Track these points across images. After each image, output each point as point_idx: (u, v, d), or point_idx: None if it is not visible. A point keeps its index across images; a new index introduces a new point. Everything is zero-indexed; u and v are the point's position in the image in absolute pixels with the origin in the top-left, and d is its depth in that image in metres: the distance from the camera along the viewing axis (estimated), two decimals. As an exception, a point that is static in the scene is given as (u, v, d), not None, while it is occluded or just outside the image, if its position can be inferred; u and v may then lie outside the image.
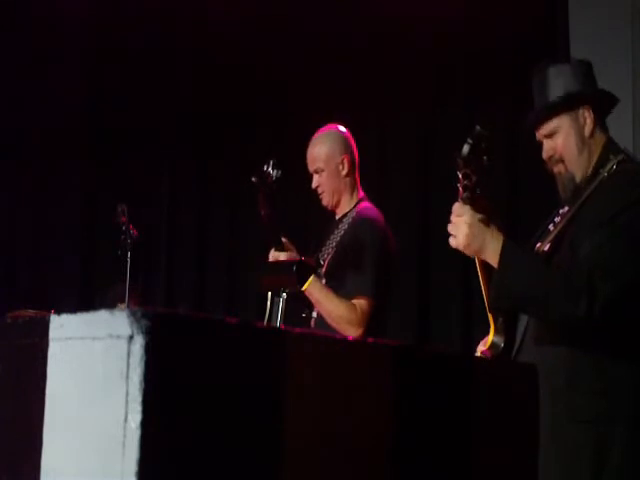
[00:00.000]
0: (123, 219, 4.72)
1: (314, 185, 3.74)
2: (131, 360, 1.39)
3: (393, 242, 3.69)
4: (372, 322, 3.51)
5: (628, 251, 2.59)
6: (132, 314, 1.40)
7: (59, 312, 1.53)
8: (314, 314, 3.63)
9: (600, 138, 2.83)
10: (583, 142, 2.80)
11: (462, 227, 2.62)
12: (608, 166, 2.74)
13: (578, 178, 2.79)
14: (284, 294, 3.51)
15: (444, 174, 2.85)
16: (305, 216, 5.34)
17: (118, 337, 1.41)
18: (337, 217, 3.76)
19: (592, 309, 2.50)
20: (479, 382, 1.90)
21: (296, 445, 1.56)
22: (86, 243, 6.51)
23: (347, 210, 3.72)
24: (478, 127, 2.64)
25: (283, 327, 3.24)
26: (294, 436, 1.56)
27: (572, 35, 4.63)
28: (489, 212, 2.67)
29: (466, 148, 2.62)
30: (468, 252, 2.66)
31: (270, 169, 3.40)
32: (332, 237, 3.72)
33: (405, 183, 5.45)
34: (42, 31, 6.05)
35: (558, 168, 2.83)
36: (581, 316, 2.52)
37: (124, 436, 1.37)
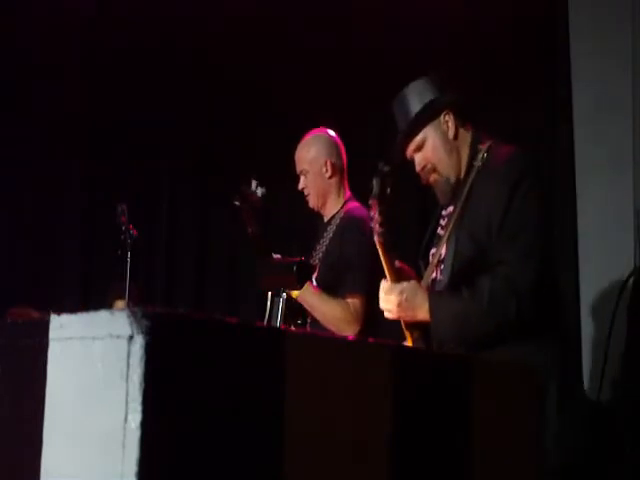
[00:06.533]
0: (123, 219, 4.72)
1: (300, 187, 3.82)
2: (131, 360, 1.39)
3: None
4: (370, 319, 3.54)
5: (533, 245, 2.76)
6: (132, 314, 1.40)
7: (59, 312, 1.52)
8: (308, 319, 3.66)
9: (465, 136, 2.99)
10: (450, 145, 2.98)
11: (394, 305, 2.84)
12: (479, 156, 2.90)
13: (453, 179, 2.96)
14: (284, 294, 3.51)
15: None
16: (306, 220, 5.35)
17: (118, 337, 1.41)
18: (325, 219, 3.82)
19: (520, 307, 2.69)
20: (479, 382, 1.90)
21: (296, 445, 1.56)
22: (86, 243, 6.51)
23: (334, 212, 3.79)
24: (381, 164, 2.77)
25: (283, 327, 3.24)
26: (294, 436, 1.56)
27: (572, 35, 4.63)
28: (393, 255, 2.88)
29: (376, 187, 2.77)
30: (404, 319, 2.89)
31: (254, 188, 3.47)
32: (322, 240, 3.77)
33: (404, 183, 5.44)
34: (42, 31, 6.05)
35: (433, 177, 3.01)
36: (513, 318, 2.70)
37: (124, 436, 1.37)
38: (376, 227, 2.79)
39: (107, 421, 1.40)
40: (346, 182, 3.84)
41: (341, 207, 3.78)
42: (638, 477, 3.42)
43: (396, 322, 4.89)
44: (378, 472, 1.70)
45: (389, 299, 2.85)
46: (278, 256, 3.58)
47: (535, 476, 2.01)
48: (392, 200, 2.77)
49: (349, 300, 3.56)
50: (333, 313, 3.56)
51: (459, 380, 1.87)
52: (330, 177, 3.78)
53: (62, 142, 6.41)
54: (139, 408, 1.37)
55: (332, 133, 3.86)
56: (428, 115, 2.98)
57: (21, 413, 1.56)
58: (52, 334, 1.50)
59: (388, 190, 2.75)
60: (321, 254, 3.74)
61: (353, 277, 3.58)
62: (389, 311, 2.88)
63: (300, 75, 5.56)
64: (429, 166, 2.99)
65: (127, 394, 1.38)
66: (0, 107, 6.15)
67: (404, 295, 2.82)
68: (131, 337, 1.39)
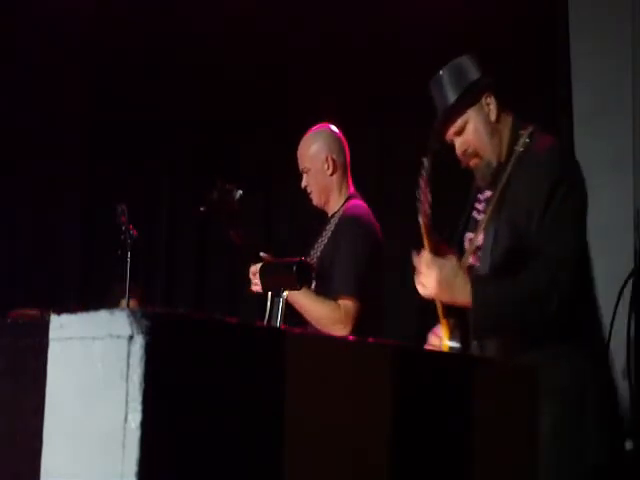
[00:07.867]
0: (123, 219, 4.71)
1: (303, 185, 3.77)
2: (131, 360, 1.39)
3: (380, 239, 3.68)
4: (361, 320, 3.50)
5: (574, 235, 2.71)
6: (132, 314, 1.40)
7: (59, 312, 1.52)
8: None
9: (507, 119, 2.94)
10: (492, 128, 2.90)
11: (432, 280, 2.71)
12: (521, 141, 2.85)
13: (494, 163, 2.88)
14: (284, 294, 3.50)
15: (444, 172, 2.91)
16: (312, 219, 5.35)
17: (118, 337, 1.41)
18: (329, 217, 3.78)
19: (561, 299, 2.63)
20: (479, 382, 1.90)
21: (296, 445, 1.56)
22: (86, 243, 6.51)
23: (336, 209, 3.73)
24: (431, 142, 2.75)
25: (283, 327, 3.24)
26: (294, 436, 1.56)
27: (572, 35, 4.63)
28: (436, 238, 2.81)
29: (427, 166, 2.75)
30: (439, 299, 2.78)
31: (230, 192, 3.46)
32: (320, 239, 3.73)
33: (405, 182, 5.44)
34: (43, 31, 6.05)
35: (474, 161, 2.92)
36: (554, 309, 2.64)
37: (124, 436, 1.37)
38: (425, 207, 2.74)
39: (107, 421, 1.40)
40: (349, 178, 3.79)
41: (342, 205, 3.73)
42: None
43: (398, 324, 4.89)
44: (378, 472, 1.69)
45: (429, 273, 2.70)
46: (266, 255, 3.56)
47: (535, 476, 2.01)
48: (440, 181, 2.74)
49: (340, 301, 3.50)
50: (321, 313, 3.50)
51: (459, 380, 1.87)
52: (332, 173, 3.72)
53: (62, 142, 6.41)
54: (139, 408, 1.37)
55: (334, 128, 3.81)
56: (469, 98, 2.90)
57: (21, 413, 1.56)
58: (52, 334, 1.50)
59: (435, 170, 2.71)
60: (319, 252, 3.71)
61: (344, 278, 3.52)
62: (425, 286, 2.73)
63: (300, 75, 5.56)
64: (470, 150, 2.90)
65: (127, 394, 1.38)
66: None
67: (444, 273, 2.68)
68: (131, 337, 1.39)
